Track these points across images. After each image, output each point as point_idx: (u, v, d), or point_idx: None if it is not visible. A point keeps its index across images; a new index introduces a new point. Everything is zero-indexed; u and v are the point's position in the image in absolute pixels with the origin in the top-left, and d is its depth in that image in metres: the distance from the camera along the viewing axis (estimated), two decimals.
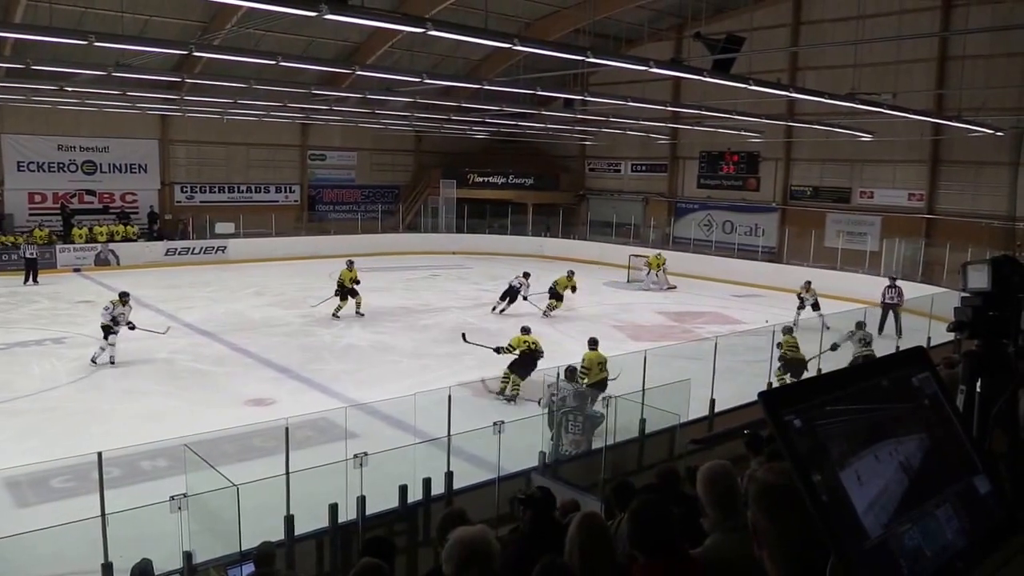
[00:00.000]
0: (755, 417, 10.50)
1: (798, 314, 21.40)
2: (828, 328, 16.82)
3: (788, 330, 15.10)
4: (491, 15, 15.58)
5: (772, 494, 1.73)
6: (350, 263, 21.80)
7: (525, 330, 15.72)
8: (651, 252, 29.88)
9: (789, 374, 14.28)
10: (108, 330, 16.67)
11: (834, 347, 15.17)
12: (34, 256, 26.97)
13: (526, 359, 14.79)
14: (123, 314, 17.13)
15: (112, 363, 16.37)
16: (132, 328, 17.15)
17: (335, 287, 21.59)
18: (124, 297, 17.56)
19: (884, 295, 21.19)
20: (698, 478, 3.10)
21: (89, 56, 18.92)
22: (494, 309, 22.77)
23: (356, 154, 39.73)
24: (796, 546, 1.66)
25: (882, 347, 15.71)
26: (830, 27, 29.15)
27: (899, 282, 21.67)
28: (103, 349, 16.56)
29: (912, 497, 1.52)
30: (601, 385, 12.62)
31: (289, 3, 10.54)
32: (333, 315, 21.21)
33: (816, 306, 21.31)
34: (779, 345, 14.64)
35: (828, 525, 1.39)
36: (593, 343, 13.76)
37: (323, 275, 25.31)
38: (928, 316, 17.52)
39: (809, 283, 22.39)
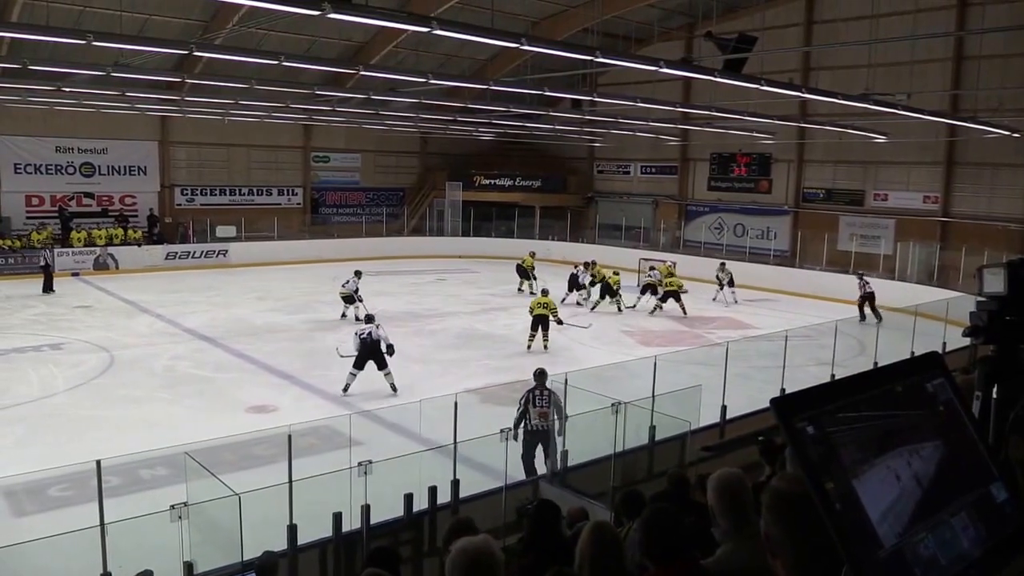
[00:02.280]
0: (767, 424, 10.51)
1: (719, 293, 26.60)
2: (736, 303, 25.57)
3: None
4: (498, 14, 15.66)
5: (786, 502, 1.74)
6: (358, 274, 22.49)
7: (544, 292, 20.31)
8: (663, 257, 29.89)
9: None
10: (348, 300, 21.84)
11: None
12: (48, 264, 27.23)
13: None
14: (358, 287, 21.89)
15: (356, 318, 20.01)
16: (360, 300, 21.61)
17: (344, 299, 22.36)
18: (358, 274, 22.32)
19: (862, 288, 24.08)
20: (709, 486, 3.10)
21: (87, 56, 18.97)
22: (563, 300, 23.76)
23: (360, 156, 39.77)
24: (809, 555, 1.67)
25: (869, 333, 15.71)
26: (843, 26, 29.11)
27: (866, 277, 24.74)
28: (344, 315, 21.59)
29: (927, 505, 1.52)
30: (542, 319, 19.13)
31: (292, 2, 10.56)
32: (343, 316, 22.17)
33: (732, 283, 26.34)
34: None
35: (841, 534, 1.39)
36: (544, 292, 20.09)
37: (327, 279, 25.40)
38: (943, 321, 17.47)
39: (724, 264, 27.28)
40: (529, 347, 19.27)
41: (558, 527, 5.26)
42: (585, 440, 10.63)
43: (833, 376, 13.91)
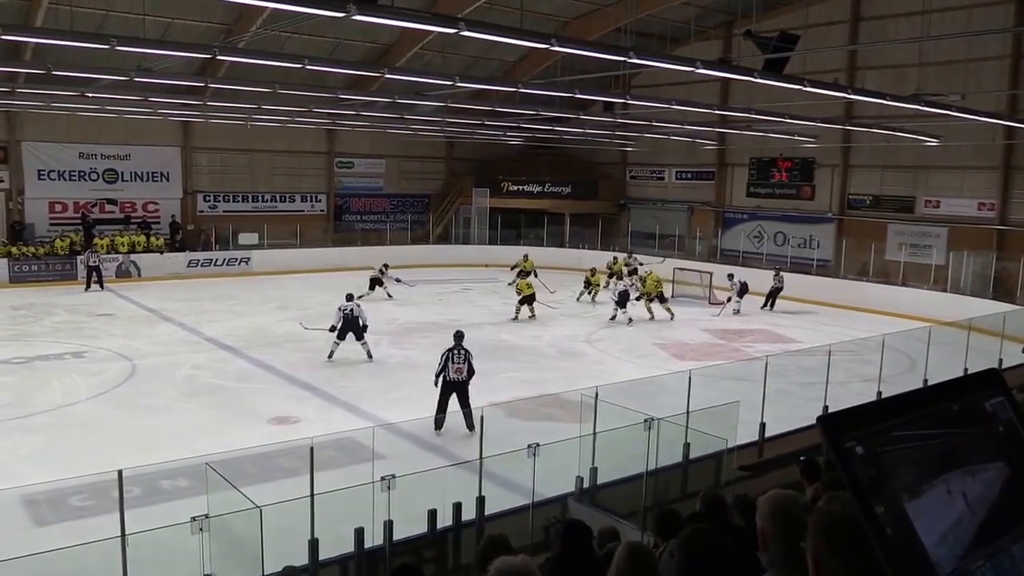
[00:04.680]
0: (808, 443, 10.39)
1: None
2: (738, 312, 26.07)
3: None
4: (527, 14, 15.69)
5: (838, 526, 1.70)
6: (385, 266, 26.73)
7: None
8: (699, 267, 29.77)
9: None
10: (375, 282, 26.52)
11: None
12: (95, 264, 28.25)
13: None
14: (382, 276, 26.88)
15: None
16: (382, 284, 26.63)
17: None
18: (386, 266, 27.36)
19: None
20: (760, 507, 3.04)
21: (110, 61, 19.26)
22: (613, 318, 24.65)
23: (385, 161, 39.96)
24: None
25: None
26: (892, 23, 28.78)
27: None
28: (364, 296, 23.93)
29: (985, 532, 1.47)
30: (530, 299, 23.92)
31: (316, 4, 10.63)
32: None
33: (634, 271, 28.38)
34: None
35: (892, 560, 1.36)
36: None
37: (350, 288, 25.42)
38: (1000, 336, 17.21)
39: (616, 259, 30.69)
40: (515, 318, 23.91)
41: (589, 547, 5.22)
42: (615, 457, 10.58)
43: (880, 393, 13.77)
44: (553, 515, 9.20)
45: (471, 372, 13.91)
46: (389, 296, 26.97)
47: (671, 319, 24.72)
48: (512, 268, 30.04)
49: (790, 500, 3.00)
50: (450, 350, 13.95)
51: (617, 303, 24.26)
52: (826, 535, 1.72)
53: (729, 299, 26.50)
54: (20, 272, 28.91)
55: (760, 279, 27.83)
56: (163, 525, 7.63)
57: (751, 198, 35.90)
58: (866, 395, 13.98)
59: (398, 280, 27.94)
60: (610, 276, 29.20)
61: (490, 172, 40.57)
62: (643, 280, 25.88)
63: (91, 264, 28.40)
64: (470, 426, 12.86)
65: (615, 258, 31.31)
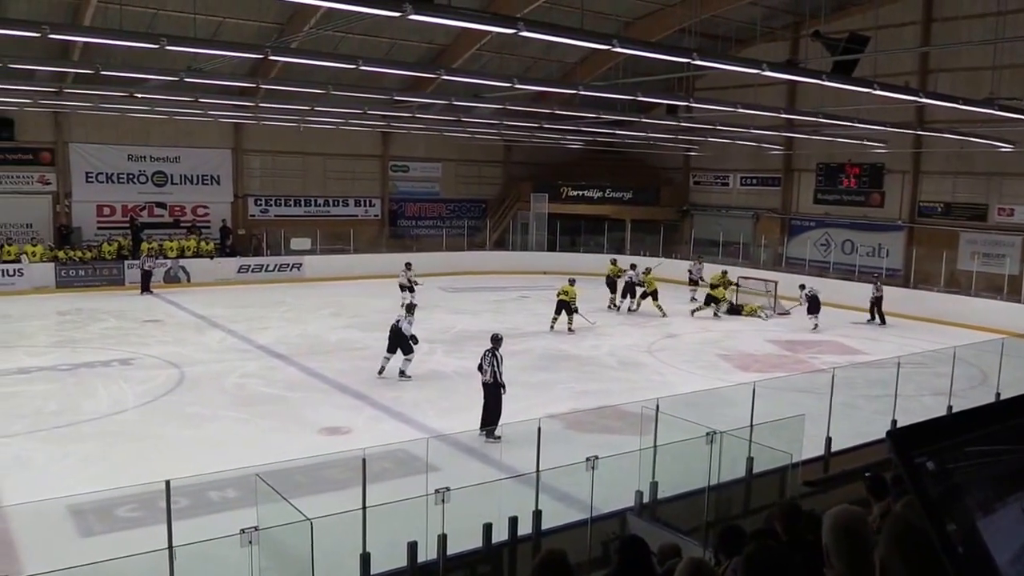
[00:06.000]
0: (876, 458, 10.27)
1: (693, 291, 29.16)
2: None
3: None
4: (587, 14, 15.70)
5: (913, 536, 1.70)
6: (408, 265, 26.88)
7: (571, 281, 24.08)
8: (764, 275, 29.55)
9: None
10: (404, 288, 26.20)
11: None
12: (150, 269, 29.23)
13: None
14: (409, 276, 26.49)
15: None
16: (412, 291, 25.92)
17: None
18: (408, 265, 27.02)
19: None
20: (826, 524, 3.03)
21: (160, 61, 19.63)
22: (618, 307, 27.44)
23: (441, 165, 40.20)
24: None
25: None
26: (966, 24, 28.35)
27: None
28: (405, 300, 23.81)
29: None
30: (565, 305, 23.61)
31: (371, 3, 10.76)
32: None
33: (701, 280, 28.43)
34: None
35: None
36: (571, 282, 24.01)
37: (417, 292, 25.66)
38: None
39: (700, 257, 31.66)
40: (552, 328, 23.81)
41: (648, 564, 5.22)
42: (676, 471, 10.53)
43: (950, 408, 13.57)
44: (612, 530, 9.19)
45: (494, 378, 13.97)
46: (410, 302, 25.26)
47: (662, 316, 26.62)
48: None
49: (856, 516, 2.99)
50: (484, 351, 14.32)
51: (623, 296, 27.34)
52: (897, 543, 1.73)
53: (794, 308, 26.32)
54: (67, 277, 29.46)
55: (831, 289, 27.56)
56: (212, 537, 7.73)
57: (818, 205, 35.56)
58: (936, 409, 13.81)
59: (417, 283, 27.01)
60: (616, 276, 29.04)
61: (549, 177, 40.57)
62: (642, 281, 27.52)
63: (145, 268, 29.12)
64: (484, 431, 13.61)
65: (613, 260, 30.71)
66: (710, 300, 27.14)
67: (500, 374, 14.03)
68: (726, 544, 5.59)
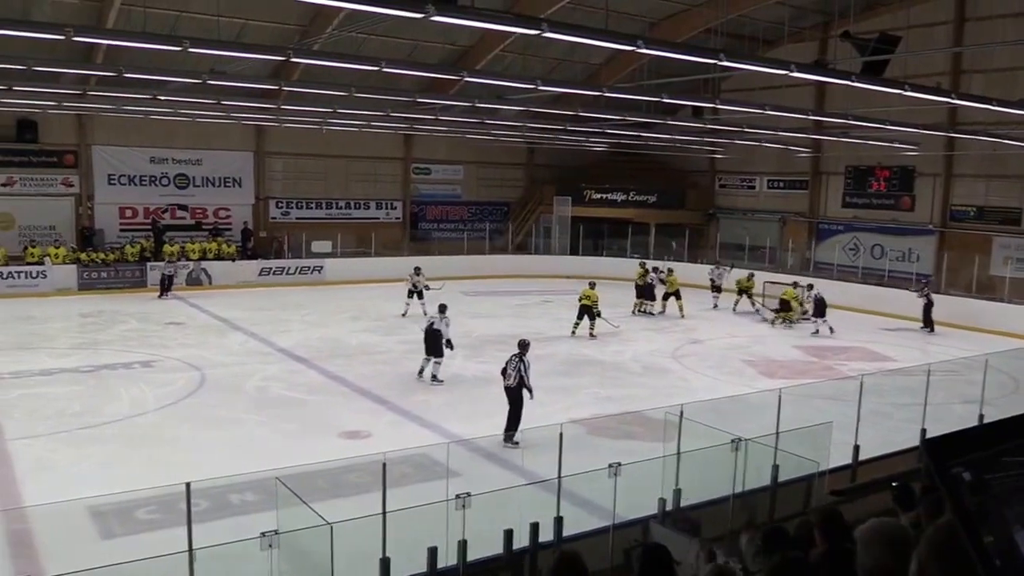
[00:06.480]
0: (905, 468, 10.17)
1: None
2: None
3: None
4: (612, 14, 15.66)
5: (952, 543, 1.67)
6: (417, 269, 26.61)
7: (592, 285, 24.14)
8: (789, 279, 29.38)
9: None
10: (412, 292, 25.79)
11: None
12: (171, 274, 29.55)
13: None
14: (418, 282, 25.97)
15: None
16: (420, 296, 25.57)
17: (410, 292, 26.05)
18: (417, 269, 26.40)
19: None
20: (861, 537, 2.97)
21: (183, 63, 19.75)
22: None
23: (463, 168, 40.29)
24: None
25: None
26: (1000, 24, 28.13)
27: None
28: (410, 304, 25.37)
29: None
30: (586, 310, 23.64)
31: (393, 4, 10.77)
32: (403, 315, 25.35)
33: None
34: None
35: None
36: (592, 285, 24.03)
37: (425, 298, 25.67)
38: None
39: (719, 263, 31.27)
40: (573, 333, 23.67)
41: (671, 572, 5.17)
42: (699, 478, 10.47)
43: (982, 416, 13.43)
44: (634, 538, 9.14)
45: (519, 382, 14.10)
46: (424, 312, 23.63)
47: (680, 317, 27.20)
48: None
49: (896, 530, 2.93)
50: (510, 356, 14.46)
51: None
52: (935, 552, 1.69)
53: (805, 312, 26.26)
54: (89, 279, 29.78)
55: (859, 294, 27.38)
56: (231, 540, 7.77)
57: (847, 209, 35.34)
58: (967, 418, 13.67)
59: (427, 287, 26.38)
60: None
61: (572, 180, 40.59)
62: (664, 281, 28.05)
63: (166, 273, 29.38)
64: (506, 436, 13.85)
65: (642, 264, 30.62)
66: (784, 307, 26.59)
67: (527, 379, 14.10)
68: (770, 546, 5.50)
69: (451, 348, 18.34)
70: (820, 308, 25.45)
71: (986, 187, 30.87)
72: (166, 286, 29.30)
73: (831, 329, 25.01)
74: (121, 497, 10.47)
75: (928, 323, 26.13)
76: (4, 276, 28.67)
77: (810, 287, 26.78)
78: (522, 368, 14.10)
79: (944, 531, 1.72)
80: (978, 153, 29.11)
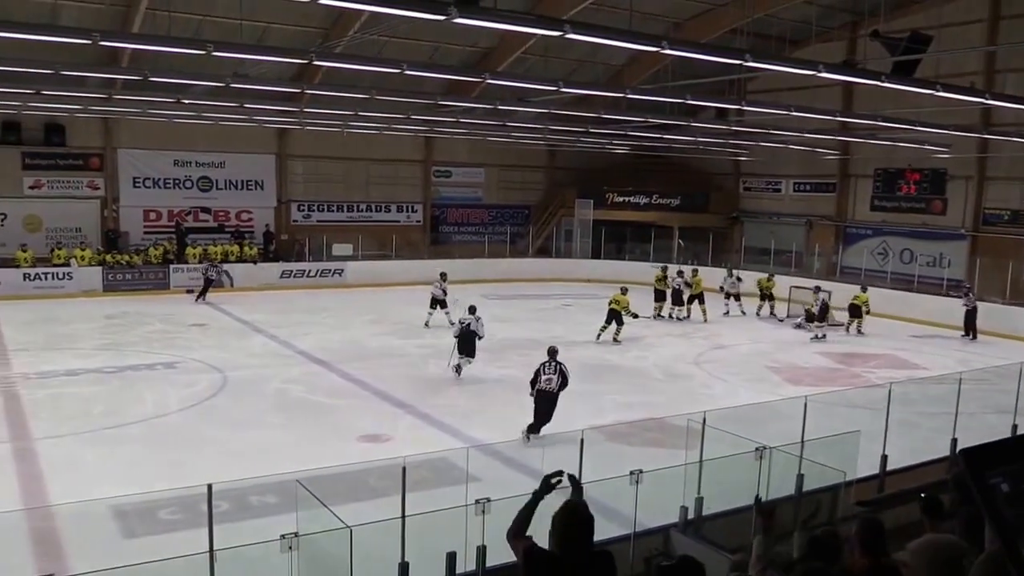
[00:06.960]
0: (933, 478, 10.04)
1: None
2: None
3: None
4: (635, 15, 15.59)
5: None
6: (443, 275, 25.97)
7: (624, 290, 24.29)
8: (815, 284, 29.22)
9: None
10: (436, 301, 25.06)
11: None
12: (213, 277, 29.58)
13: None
14: (446, 288, 25.24)
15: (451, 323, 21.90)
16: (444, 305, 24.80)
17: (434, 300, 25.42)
18: (443, 275, 25.62)
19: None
20: (916, 553, 2.90)
21: (206, 67, 19.87)
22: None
23: (484, 170, 40.37)
24: None
25: None
26: None
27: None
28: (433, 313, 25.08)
29: None
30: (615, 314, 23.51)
31: (415, 6, 10.77)
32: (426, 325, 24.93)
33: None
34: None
35: None
36: (624, 291, 24.20)
37: (446, 301, 25.71)
38: None
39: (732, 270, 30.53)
40: (599, 337, 23.48)
41: None
42: (723, 487, 10.40)
43: (1015, 427, 13.27)
44: (655, 547, 9.08)
45: (563, 383, 14.43)
46: (450, 322, 22.53)
47: (704, 321, 27.37)
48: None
49: (952, 547, 2.86)
50: (543, 363, 14.62)
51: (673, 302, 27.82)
52: (989, 566, 1.64)
53: (811, 315, 25.95)
54: (114, 280, 30.13)
55: (886, 299, 27.19)
56: (252, 542, 7.82)
57: (875, 212, 35.03)
58: (1000, 428, 13.50)
59: (445, 297, 25.39)
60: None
61: (594, 182, 40.52)
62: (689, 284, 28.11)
63: (208, 276, 29.50)
64: (531, 429, 14.27)
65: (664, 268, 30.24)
66: (854, 313, 26.26)
67: (568, 377, 14.58)
68: (820, 552, 5.41)
69: (480, 338, 18.90)
70: (823, 311, 25.41)
71: (1021, 190, 30.45)
72: (204, 288, 29.30)
73: (817, 337, 24.96)
74: (144, 497, 10.59)
75: (971, 330, 25.82)
76: (32, 278, 29.12)
77: (817, 289, 26.58)
78: (563, 369, 14.50)
79: (999, 559, 1.67)
80: (1012, 155, 28.78)
